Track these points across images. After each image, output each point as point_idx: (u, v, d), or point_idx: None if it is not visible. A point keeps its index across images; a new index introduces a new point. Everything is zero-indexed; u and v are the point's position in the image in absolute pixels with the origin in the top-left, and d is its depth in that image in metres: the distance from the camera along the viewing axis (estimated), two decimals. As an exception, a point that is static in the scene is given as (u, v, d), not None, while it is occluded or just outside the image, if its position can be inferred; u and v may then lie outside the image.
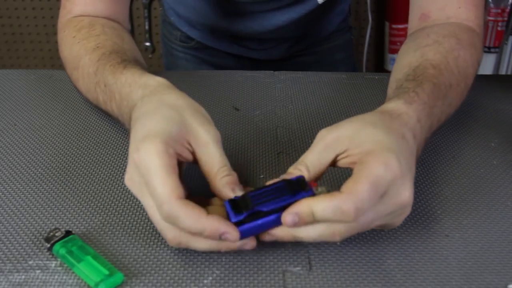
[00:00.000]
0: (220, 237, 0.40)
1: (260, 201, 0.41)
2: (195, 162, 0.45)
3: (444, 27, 0.63)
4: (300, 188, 0.41)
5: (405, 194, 0.42)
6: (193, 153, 0.45)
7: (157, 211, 0.41)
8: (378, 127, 0.44)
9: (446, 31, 0.62)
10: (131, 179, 0.43)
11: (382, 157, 0.41)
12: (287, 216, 0.40)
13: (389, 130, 0.44)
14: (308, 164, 0.44)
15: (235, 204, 0.42)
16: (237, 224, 0.41)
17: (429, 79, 0.54)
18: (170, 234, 0.42)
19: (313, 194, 0.41)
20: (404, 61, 0.60)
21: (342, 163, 0.44)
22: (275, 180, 0.44)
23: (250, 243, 0.42)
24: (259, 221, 0.41)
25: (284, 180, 0.42)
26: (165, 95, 0.48)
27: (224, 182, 0.43)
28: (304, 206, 0.40)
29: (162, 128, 0.43)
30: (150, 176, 0.41)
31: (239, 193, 0.43)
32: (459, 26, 0.64)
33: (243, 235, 0.41)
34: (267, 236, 0.42)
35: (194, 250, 0.45)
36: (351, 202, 0.39)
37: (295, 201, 0.41)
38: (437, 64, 0.56)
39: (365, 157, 0.41)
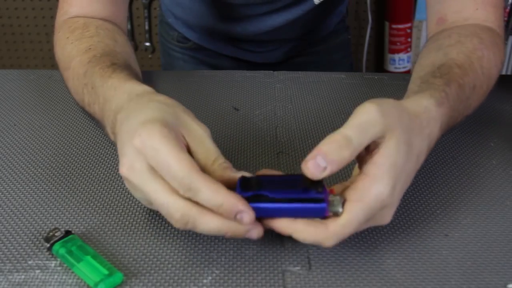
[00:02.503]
0: (235, 217, 0.39)
1: (270, 187, 0.41)
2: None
3: (465, 27, 0.62)
4: (313, 187, 0.41)
5: (386, 219, 0.43)
6: (186, 146, 0.44)
7: (171, 187, 0.40)
8: (402, 141, 0.42)
9: (467, 31, 0.61)
10: (130, 168, 0.42)
11: (381, 186, 0.40)
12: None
13: (410, 148, 0.43)
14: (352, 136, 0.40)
15: (246, 182, 0.42)
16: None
17: (455, 79, 0.53)
18: (177, 213, 0.40)
19: (323, 198, 0.40)
20: (427, 61, 0.58)
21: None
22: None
23: (256, 230, 0.41)
24: (262, 205, 0.40)
25: (302, 176, 0.41)
26: (154, 96, 0.48)
27: (224, 167, 0.43)
28: (285, 225, 0.41)
29: (159, 116, 0.43)
30: (161, 156, 0.40)
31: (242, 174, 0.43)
32: (479, 26, 0.63)
33: None
34: (265, 222, 0.41)
35: (193, 249, 0.45)
36: (336, 236, 0.40)
37: (304, 198, 0.40)
38: (462, 63, 0.55)
39: (365, 180, 0.40)
